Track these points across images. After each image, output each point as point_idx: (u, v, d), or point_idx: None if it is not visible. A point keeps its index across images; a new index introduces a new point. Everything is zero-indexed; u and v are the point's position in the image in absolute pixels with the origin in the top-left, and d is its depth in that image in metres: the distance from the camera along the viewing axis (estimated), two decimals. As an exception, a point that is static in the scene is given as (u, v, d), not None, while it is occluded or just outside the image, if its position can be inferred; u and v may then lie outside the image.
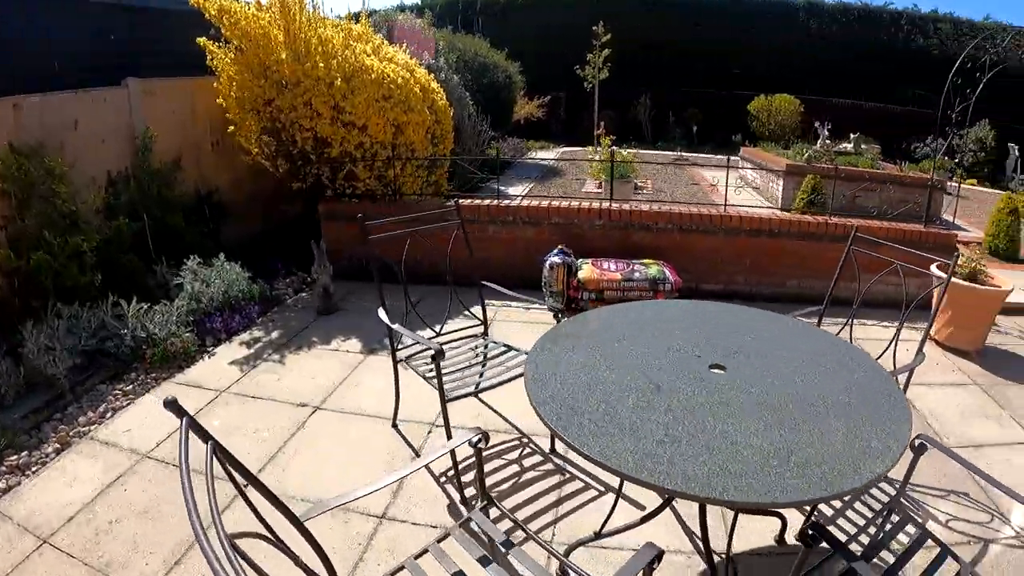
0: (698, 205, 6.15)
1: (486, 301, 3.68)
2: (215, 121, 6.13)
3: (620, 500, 2.72)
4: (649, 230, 5.61)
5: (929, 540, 1.98)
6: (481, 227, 5.68)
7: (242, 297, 5.02)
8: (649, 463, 1.68)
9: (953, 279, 3.84)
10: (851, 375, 2.21)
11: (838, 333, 2.82)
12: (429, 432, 3.51)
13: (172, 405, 1.27)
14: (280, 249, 6.23)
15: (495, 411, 3.66)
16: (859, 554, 1.95)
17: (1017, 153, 14.06)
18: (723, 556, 2.49)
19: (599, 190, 9.75)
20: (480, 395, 3.31)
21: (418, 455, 3.26)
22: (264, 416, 3.64)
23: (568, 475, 3.10)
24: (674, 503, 2.74)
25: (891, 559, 1.95)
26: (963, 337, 4.72)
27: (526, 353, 2.70)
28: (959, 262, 4.39)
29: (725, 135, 17.33)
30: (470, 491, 2.92)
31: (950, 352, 4.73)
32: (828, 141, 10.46)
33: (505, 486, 3.03)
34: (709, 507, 2.48)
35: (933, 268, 4.13)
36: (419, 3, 19.90)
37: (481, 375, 3.20)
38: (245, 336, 4.68)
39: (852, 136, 10.43)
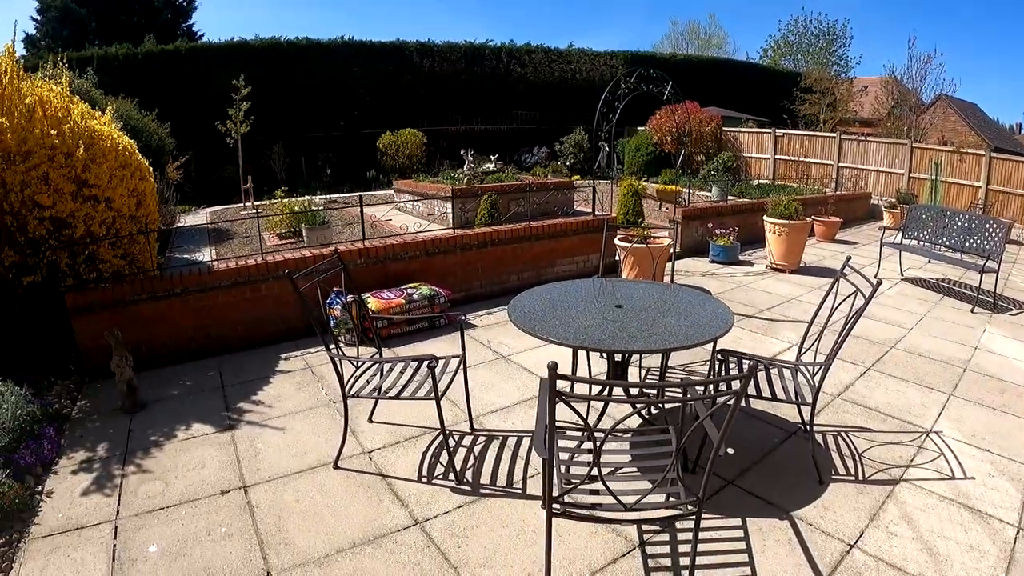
0: (428, 231, 7.40)
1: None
2: None
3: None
4: (401, 259, 6.49)
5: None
6: (254, 287, 5.71)
7: (31, 420, 4.14)
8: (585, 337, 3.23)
9: (634, 244, 5.79)
10: (678, 299, 3.81)
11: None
12: (397, 447, 3.85)
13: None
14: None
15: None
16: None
17: (608, 149, 18.42)
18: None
19: (283, 242, 9.56)
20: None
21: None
22: (198, 518, 3.21)
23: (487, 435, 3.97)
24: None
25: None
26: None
27: (442, 358, 3.78)
28: (634, 231, 6.51)
29: (358, 173, 18.45)
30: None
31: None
32: (472, 164, 12.63)
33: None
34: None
35: (616, 240, 6.13)
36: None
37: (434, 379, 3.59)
38: (66, 463, 3.84)
39: (492, 158, 12.78)
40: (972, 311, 6.98)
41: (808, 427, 3.49)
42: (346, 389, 3.59)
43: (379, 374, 3.81)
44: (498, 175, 12.23)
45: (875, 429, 4.16)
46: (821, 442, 3.97)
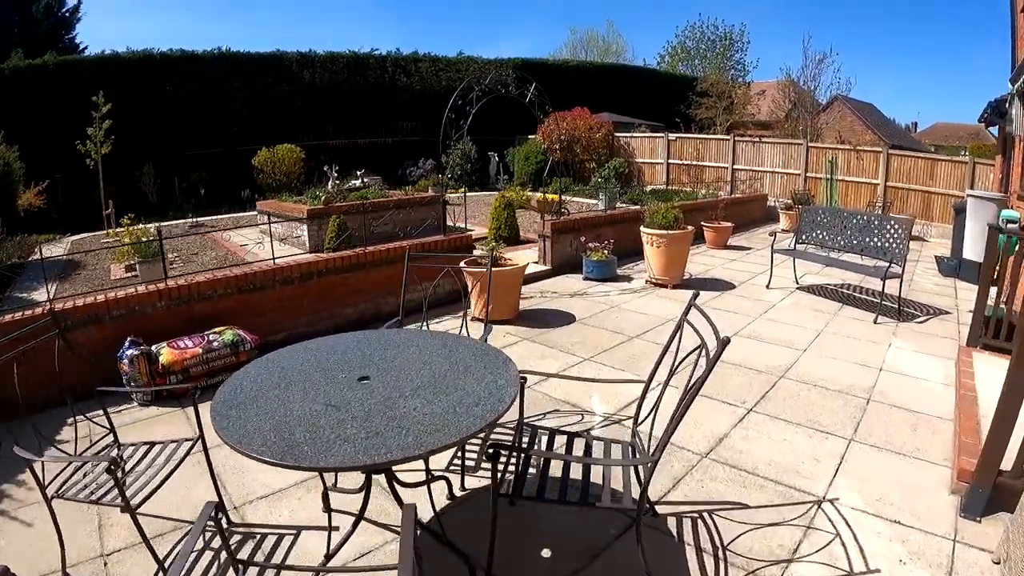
0: (242, 265, 6.22)
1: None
2: None
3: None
4: (210, 299, 5.36)
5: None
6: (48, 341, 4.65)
7: None
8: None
9: (476, 268, 4.85)
10: (450, 364, 2.66)
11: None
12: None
13: None
14: None
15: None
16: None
17: (497, 159, 17.62)
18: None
19: (129, 274, 8.81)
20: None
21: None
22: None
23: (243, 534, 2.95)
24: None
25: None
26: (502, 310, 5.91)
27: (173, 442, 2.80)
28: (481, 254, 5.51)
29: (234, 193, 17.26)
30: None
31: (498, 323, 5.96)
32: (337, 181, 11.44)
33: None
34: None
35: (462, 264, 5.11)
36: None
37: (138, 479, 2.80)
38: None
39: (358, 173, 11.65)
40: (875, 321, 6.34)
41: (637, 531, 2.45)
42: (47, 491, 2.68)
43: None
44: (363, 192, 11.10)
45: (750, 504, 3.21)
46: (674, 531, 2.98)
